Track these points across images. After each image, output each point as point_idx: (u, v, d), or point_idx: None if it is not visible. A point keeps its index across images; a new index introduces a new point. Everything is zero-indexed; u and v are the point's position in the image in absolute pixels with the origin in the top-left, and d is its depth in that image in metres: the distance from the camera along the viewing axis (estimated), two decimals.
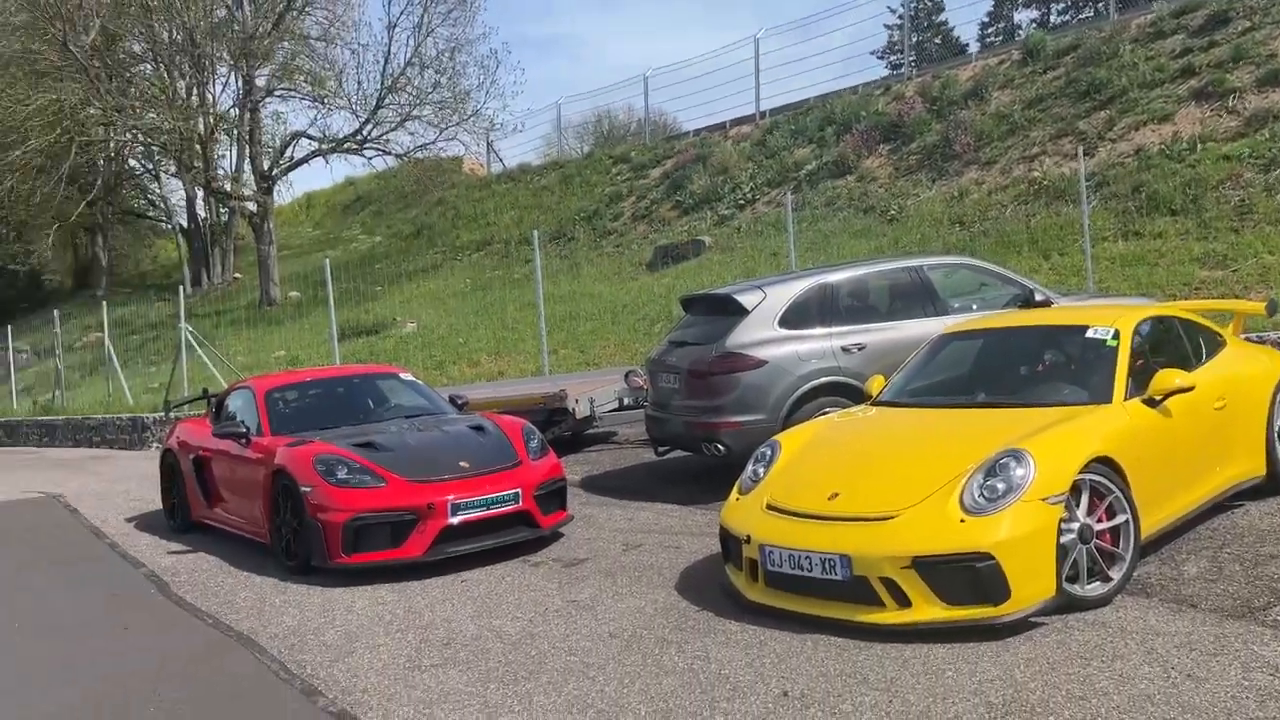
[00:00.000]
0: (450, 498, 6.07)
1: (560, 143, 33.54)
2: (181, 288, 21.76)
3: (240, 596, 5.97)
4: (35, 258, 37.54)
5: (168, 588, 6.35)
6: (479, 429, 6.98)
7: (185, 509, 8.17)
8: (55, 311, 25.82)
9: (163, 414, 14.75)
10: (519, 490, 6.31)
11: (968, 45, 35.07)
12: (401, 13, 27.45)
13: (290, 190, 33.67)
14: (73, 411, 20.32)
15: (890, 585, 4.16)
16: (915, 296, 7.66)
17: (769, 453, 5.31)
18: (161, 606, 5.98)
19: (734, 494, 5.22)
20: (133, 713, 4.14)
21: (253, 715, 4.05)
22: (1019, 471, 4.20)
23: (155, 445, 15.47)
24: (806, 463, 5.11)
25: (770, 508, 4.80)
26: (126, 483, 11.72)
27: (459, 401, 8.14)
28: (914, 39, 32.08)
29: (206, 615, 5.61)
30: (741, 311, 7.39)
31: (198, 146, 29.03)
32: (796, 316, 7.35)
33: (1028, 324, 6.17)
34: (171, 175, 35.80)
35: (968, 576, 4.07)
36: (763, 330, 7.26)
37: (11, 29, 28.17)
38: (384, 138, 28.50)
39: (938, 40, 38.70)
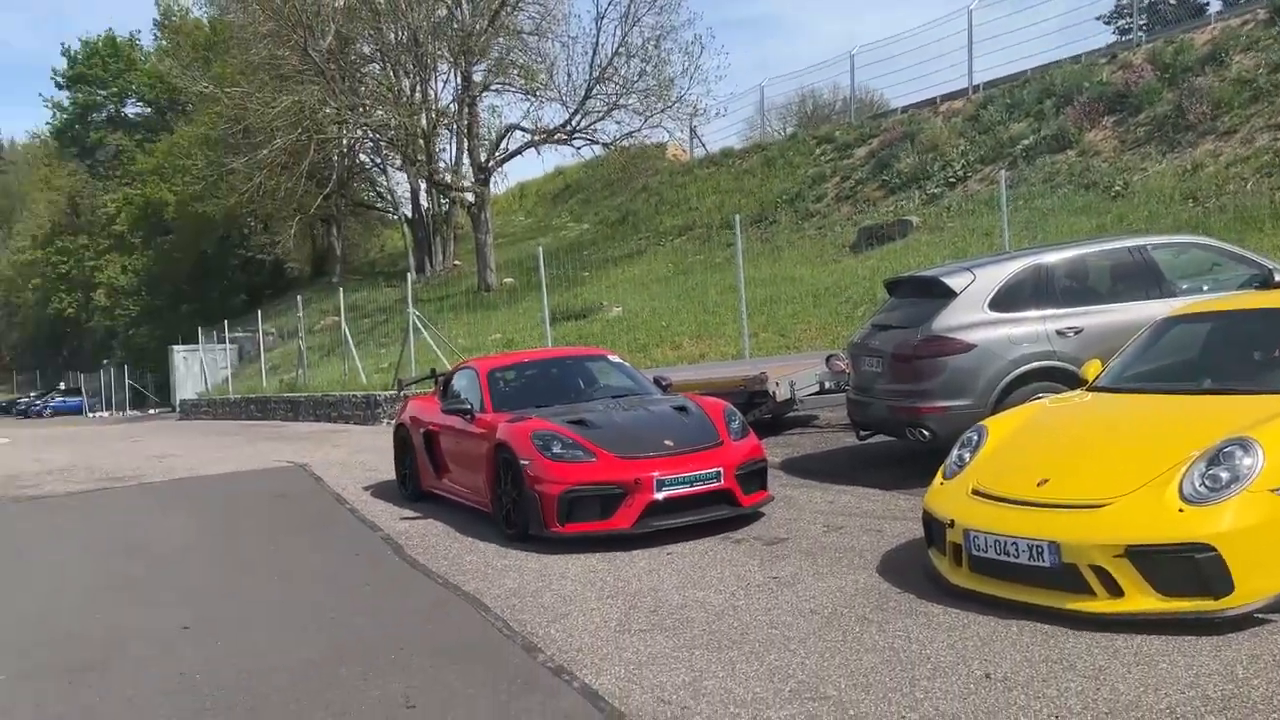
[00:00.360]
0: (656, 474, 6.33)
1: (762, 125, 33.48)
2: (409, 275, 23.32)
3: (466, 560, 6.46)
4: (280, 248, 41.05)
5: (402, 550, 6.95)
6: (682, 409, 7.22)
7: (415, 479, 8.86)
8: (298, 297, 28.20)
9: (394, 392, 15.91)
10: (721, 469, 6.49)
11: (1206, 4, 32.30)
12: (609, 4, 28.11)
13: (505, 181, 35.24)
14: (313, 389, 22.21)
15: (1101, 573, 4.07)
16: (1138, 278, 7.29)
17: (975, 438, 5.25)
18: (397, 567, 6.55)
19: (938, 479, 5.20)
20: (378, 659, 4.61)
21: (481, 666, 4.42)
22: (1246, 460, 4.00)
23: (386, 421, 16.72)
24: (1015, 448, 5.02)
25: (976, 493, 4.76)
26: (362, 454, 12.77)
27: (663, 383, 8.43)
28: (1145, 0, 29.90)
29: (437, 576, 6.12)
30: (949, 294, 7.26)
31: (421, 141, 30.84)
32: (1008, 299, 7.15)
33: (1265, 306, 5.76)
34: (397, 169, 38.18)
35: (1186, 567, 3.92)
36: (971, 313, 7.11)
37: (259, 37, 30.79)
38: (592, 127, 29.34)
39: (1172, 1, 35.84)
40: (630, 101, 28.32)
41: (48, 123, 61.42)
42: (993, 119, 21.32)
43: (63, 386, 58.08)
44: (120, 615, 5.85)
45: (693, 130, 32.47)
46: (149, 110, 54.07)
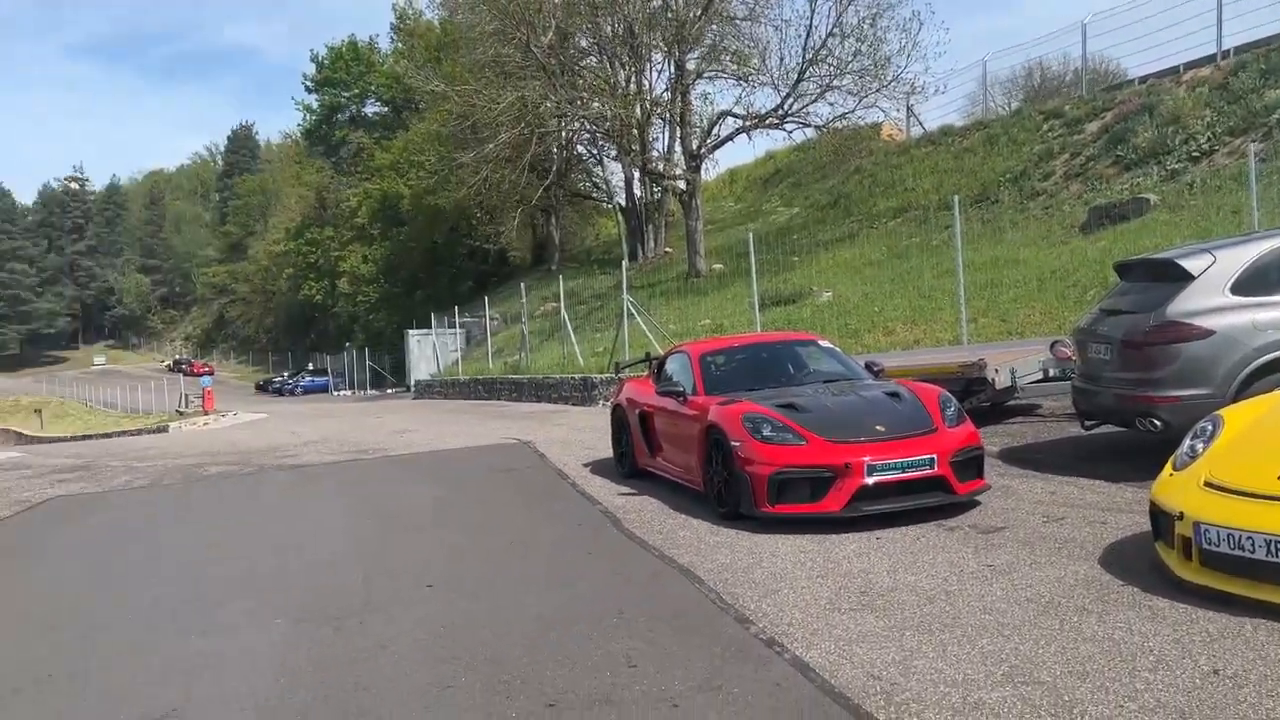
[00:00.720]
0: (866, 459, 6.37)
1: (985, 101, 32.08)
2: (624, 262, 24.02)
3: (680, 535, 6.75)
4: (503, 237, 43.13)
5: (620, 523, 7.32)
6: (894, 395, 7.20)
7: (631, 457, 9.25)
8: (521, 284, 29.60)
9: (611, 374, 16.52)
10: (934, 456, 6.45)
11: None
12: None
13: (715, 167, 35.57)
14: (535, 371, 23.33)
15: None
16: None
17: (1210, 428, 5.01)
18: (615, 538, 6.92)
19: (1167, 470, 5.00)
20: (602, 621, 4.94)
21: (696, 634, 4.66)
22: None
23: (602, 402, 17.38)
24: (1255, 439, 4.76)
25: (1209, 485, 4.56)
26: (581, 433, 13.39)
27: (875, 368, 8.41)
28: None
29: (653, 549, 6.43)
30: (1185, 277, 6.87)
31: (635, 131, 31.58)
32: (1254, 282, 6.69)
33: None
34: (612, 159, 39.29)
35: None
36: (1210, 298, 6.70)
37: (485, 36, 32.42)
38: (804, 110, 29.12)
39: None
40: (844, 82, 27.91)
41: (298, 124, 67.10)
42: (1244, 87, 19.62)
43: (311, 367, 63.50)
44: (373, 573, 6.50)
45: (910, 109, 31.57)
46: (386, 109, 58.07)
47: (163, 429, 28.15)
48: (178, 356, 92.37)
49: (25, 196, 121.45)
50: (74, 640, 5.51)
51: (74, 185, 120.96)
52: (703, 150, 31.27)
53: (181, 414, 34.58)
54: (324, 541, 7.74)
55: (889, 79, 27.53)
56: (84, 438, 30.60)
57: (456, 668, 4.44)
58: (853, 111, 28.56)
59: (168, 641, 5.27)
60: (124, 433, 30.18)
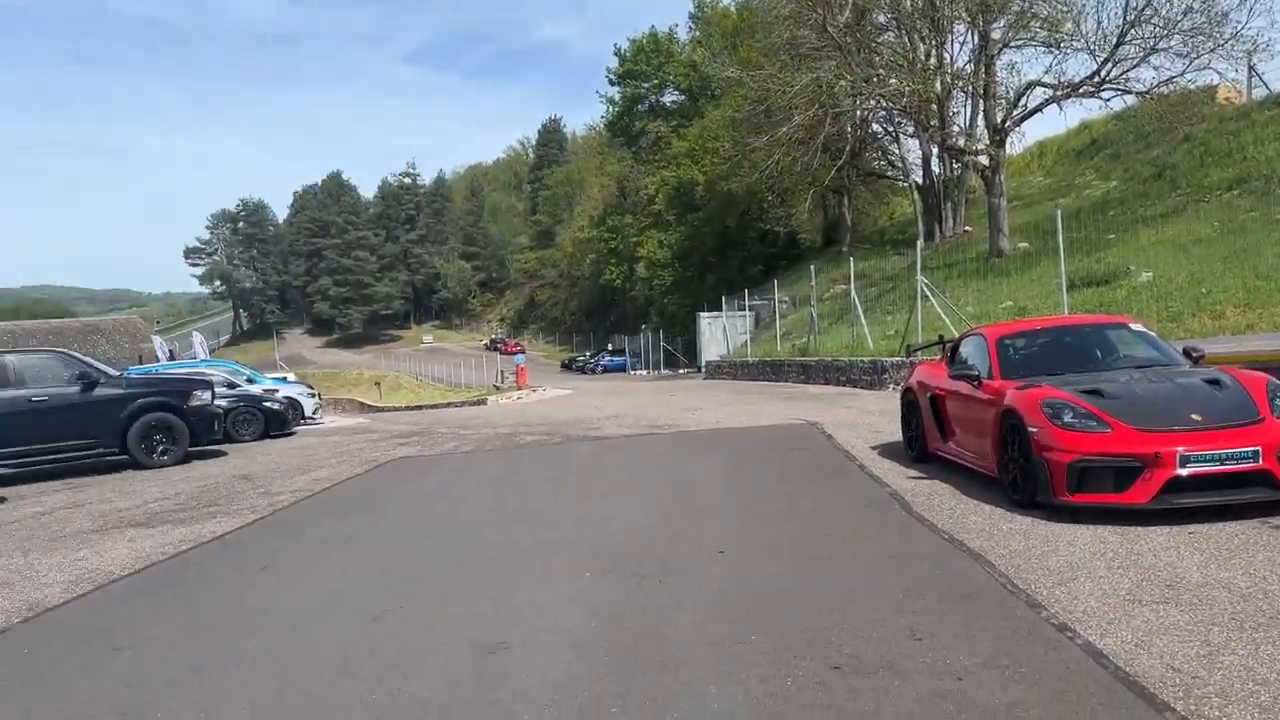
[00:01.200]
0: (1179, 449, 6.01)
1: None
2: (918, 242, 23.42)
3: (970, 520, 6.68)
4: (794, 219, 43.24)
5: (908, 506, 7.33)
6: (1215, 382, 6.70)
7: (921, 441, 9.18)
8: (810, 266, 29.61)
9: (902, 358, 16.28)
10: (1258, 448, 5.97)
11: None
12: None
13: (1021, 140, 33.53)
14: (823, 353, 23.34)
15: None
16: None
17: None
18: (902, 520, 6.96)
19: None
20: (887, 596, 5.06)
21: (983, 615, 4.67)
22: None
23: (892, 386, 17.16)
24: None
25: None
26: (869, 417, 13.35)
27: (1194, 354, 7.83)
28: None
29: (941, 531, 6.42)
30: None
31: (934, 106, 30.58)
32: None
33: None
34: (909, 136, 38.26)
35: None
36: None
37: (781, 20, 32.59)
38: (1124, 76, 26.96)
39: None
40: (1172, 43, 25.57)
41: (602, 116, 70.49)
42: None
43: (610, 347, 66.86)
44: (667, 536, 6.96)
45: (1251, 69, 28.41)
46: (683, 98, 59.70)
47: (481, 402, 30.82)
48: (493, 336, 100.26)
49: (367, 191, 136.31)
50: (420, 580, 6.37)
51: (407, 180, 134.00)
52: (1008, 123, 29.74)
53: (497, 388, 37.65)
54: (624, 507, 8.33)
55: (1226, 37, 24.87)
56: (415, 408, 34.11)
57: (747, 626, 4.74)
58: (1181, 75, 26.11)
59: (495, 585, 5.97)
60: (449, 404, 33.33)
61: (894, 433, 10.43)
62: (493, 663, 4.51)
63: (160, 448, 14.18)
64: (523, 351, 73.27)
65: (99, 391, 13.87)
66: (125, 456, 14.10)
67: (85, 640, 5.50)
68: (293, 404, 21.67)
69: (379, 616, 5.46)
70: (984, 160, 29.95)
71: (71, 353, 15.18)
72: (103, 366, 14.82)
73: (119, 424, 13.93)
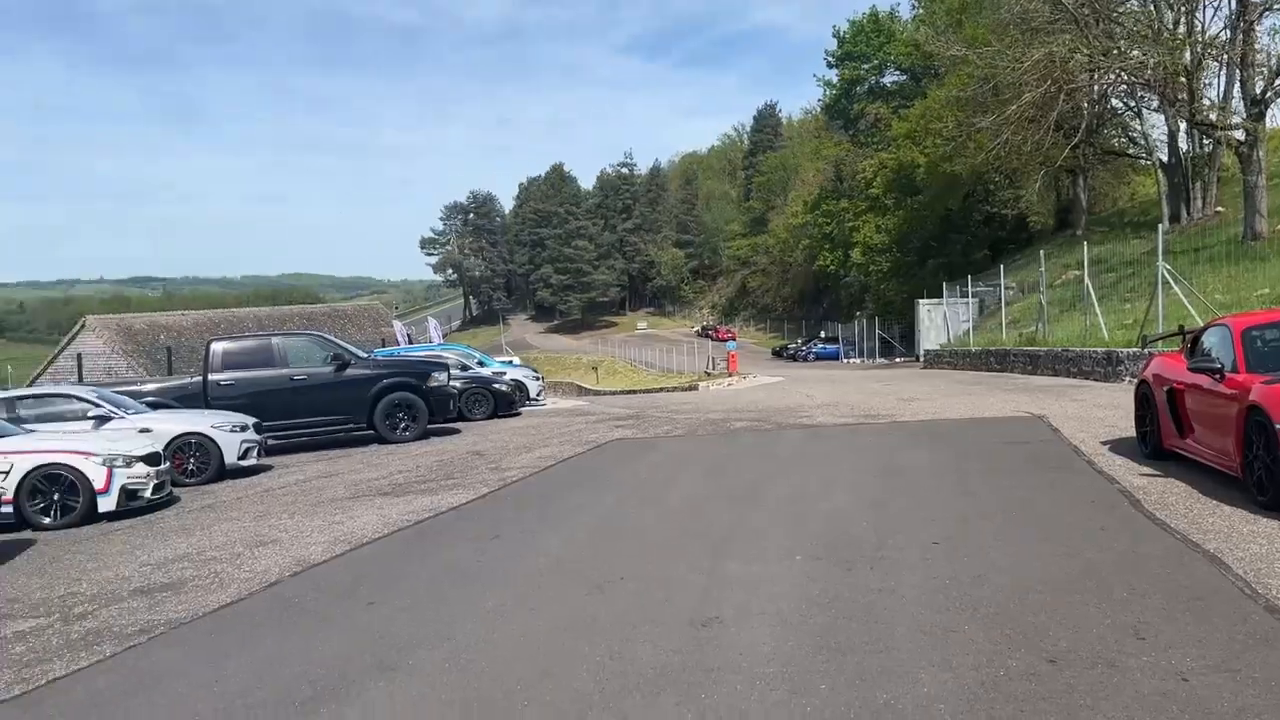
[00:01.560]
0: None
1: None
2: (1160, 225, 21.85)
3: (1207, 521, 6.32)
4: (1023, 202, 41.19)
5: (1139, 503, 7.00)
6: None
7: (1156, 437, 8.69)
8: (1040, 251, 28.20)
9: (1139, 348, 15.33)
10: None
11: None
12: None
13: None
14: (1052, 343, 22.22)
15: None
16: None
17: None
18: (1132, 518, 6.66)
19: None
20: (1111, 593, 4.92)
21: (1215, 617, 4.47)
22: None
23: (1128, 379, 16.18)
24: None
25: None
26: (1100, 410, 12.68)
27: None
28: None
29: (1174, 531, 6.12)
30: None
31: (1182, 78, 28.34)
32: None
33: None
34: (1153, 110, 35.58)
35: None
36: None
37: None
38: None
39: None
40: None
41: (819, 99, 69.54)
42: None
43: (823, 335, 66.05)
44: (880, 526, 6.98)
45: None
46: (904, 78, 57.98)
47: (693, 387, 31.32)
48: (705, 323, 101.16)
49: (586, 182, 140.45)
50: (637, 554, 6.71)
51: (624, 170, 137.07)
52: (1269, 94, 27.12)
53: (709, 375, 38.09)
54: (835, 495, 8.38)
55: None
56: (630, 392, 35.08)
57: (960, 616, 4.75)
58: None
59: (708, 563, 6.21)
60: (661, 389, 34.08)
61: (1127, 428, 9.91)
62: (705, 635, 4.75)
63: (403, 424, 15.41)
64: (734, 338, 73.61)
65: (350, 372, 15.24)
66: (371, 431, 15.42)
67: (345, 595, 6.18)
68: (519, 386, 22.86)
69: (601, 585, 5.82)
70: (1239, 135, 27.47)
71: (327, 335, 16.75)
72: (353, 349, 16.26)
73: (367, 402, 15.25)
